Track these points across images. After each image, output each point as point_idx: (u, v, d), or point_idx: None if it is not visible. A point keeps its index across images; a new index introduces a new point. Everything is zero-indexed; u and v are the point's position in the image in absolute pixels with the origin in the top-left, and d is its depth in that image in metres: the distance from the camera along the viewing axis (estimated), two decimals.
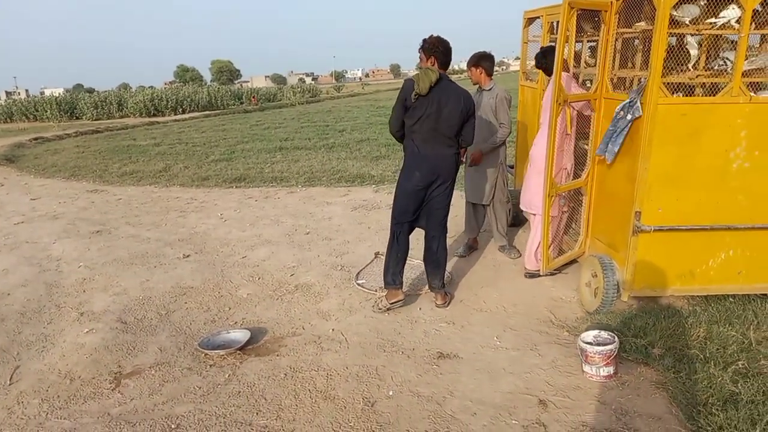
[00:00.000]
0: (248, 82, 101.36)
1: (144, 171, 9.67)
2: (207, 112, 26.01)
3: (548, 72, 3.88)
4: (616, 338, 2.77)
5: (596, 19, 3.97)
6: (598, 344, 2.73)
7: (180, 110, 26.29)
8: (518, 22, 5.19)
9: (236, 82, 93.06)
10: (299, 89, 40.56)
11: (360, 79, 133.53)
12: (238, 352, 3.25)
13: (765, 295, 3.44)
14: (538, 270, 3.90)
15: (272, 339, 3.43)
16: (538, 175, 3.80)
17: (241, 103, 32.06)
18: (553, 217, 3.79)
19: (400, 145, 3.62)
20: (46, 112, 26.09)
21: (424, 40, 3.49)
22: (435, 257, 3.71)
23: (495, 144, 4.33)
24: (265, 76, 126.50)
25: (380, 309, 3.67)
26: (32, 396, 2.92)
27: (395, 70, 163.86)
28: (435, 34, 3.50)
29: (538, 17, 4.81)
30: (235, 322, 3.68)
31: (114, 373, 3.10)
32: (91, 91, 48.73)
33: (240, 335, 3.39)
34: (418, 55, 3.52)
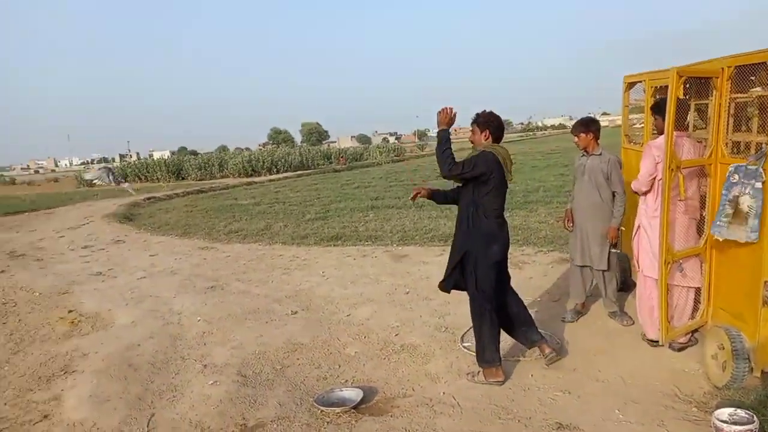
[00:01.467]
0: (335, 142, 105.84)
1: (247, 229, 10.30)
2: (299, 172, 27.40)
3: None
4: (756, 418, 2.60)
5: (705, 83, 3.95)
6: (735, 423, 2.58)
7: (275, 170, 27.89)
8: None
9: (324, 142, 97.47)
10: (384, 149, 41.86)
11: None
12: (353, 410, 3.35)
13: None
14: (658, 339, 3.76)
15: (384, 399, 3.51)
16: (654, 240, 3.75)
17: (330, 163, 33.49)
18: (673, 285, 3.67)
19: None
20: (156, 173, 28.54)
21: (478, 115, 3.70)
22: (521, 317, 3.77)
23: (622, 215, 4.32)
24: (351, 137, 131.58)
25: (475, 382, 3.61)
26: None
27: None
28: (488, 110, 3.69)
29: (640, 82, 4.82)
30: (346, 381, 3.80)
31: (240, 425, 3.29)
32: (194, 153, 52.99)
33: (353, 394, 3.50)
34: (471, 128, 3.74)
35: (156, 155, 60.97)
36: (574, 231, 4.51)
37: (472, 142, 3.74)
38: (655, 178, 3.76)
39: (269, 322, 5.08)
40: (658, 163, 3.68)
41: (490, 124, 3.63)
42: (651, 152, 3.74)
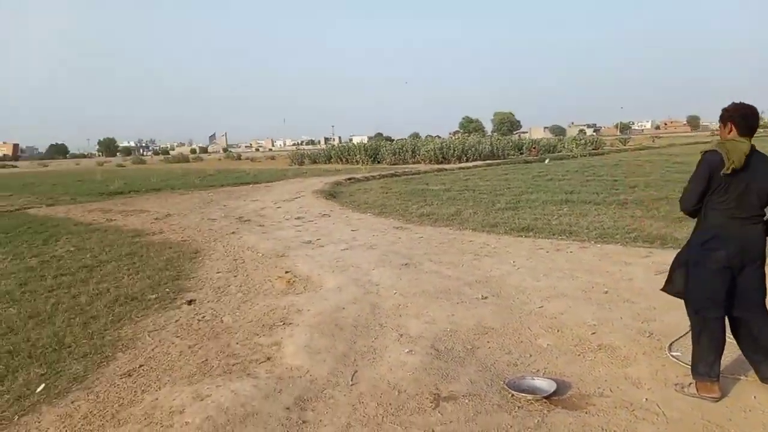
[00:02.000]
0: (527, 132, 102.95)
1: (438, 213, 10.62)
2: (489, 161, 27.30)
3: None
4: None
5: None
6: None
7: (464, 158, 28.17)
8: None
9: (515, 132, 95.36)
10: (581, 141, 39.56)
11: (644, 131, 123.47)
12: (545, 400, 3.32)
13: None
14: None
15: (578, 395, 3.41)
16: None
17: (521, 154, 32.73)
18: None
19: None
20: (356, 156, 30.72)
21: (723, 109, 3.25)
22: (756, 344, 3.26)
23: None
24: (544, 128, 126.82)
25: (686, 394, 3.30)
26: (369, 399, 3.46)
27: (693, 121, 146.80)
28: (738, 101, 3.22)
29: None
30: (538, 370, 3.77)
31: (433, 394, 3.47)
32: (389, 139, 55.89)
33: (545, 384, 3.46)
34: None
35: (356, 139, 65.68)
36: None
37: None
38: None
39: (460, 303, 5.22)
40: None
41: (732, 116, 3.21)
42: None
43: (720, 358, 3.28)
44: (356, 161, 30.12)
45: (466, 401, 3.36)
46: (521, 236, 8.25)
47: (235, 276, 6.67)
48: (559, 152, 34.28)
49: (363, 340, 4.42)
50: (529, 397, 3.34)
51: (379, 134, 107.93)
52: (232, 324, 4.95)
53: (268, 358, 4.16)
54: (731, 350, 3.48)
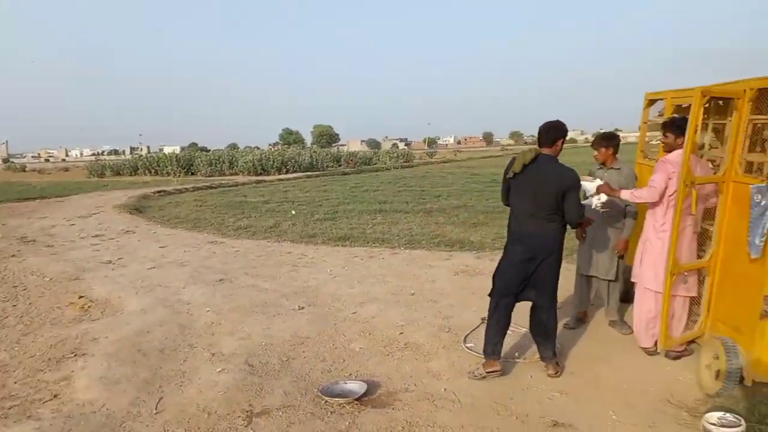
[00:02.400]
0: (345, 145, 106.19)
1: (257, 226, 10.43)
2: (309, 173, 27.54)
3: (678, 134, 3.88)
4: (743, 421, 2.69)
5: (723, 104, 4.05)
6: (723, 426, 2.67)
7: (284, 170, 28.05)
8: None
9: (334, 145, 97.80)
10: (394, 154, 41.97)
11: (448, 145, 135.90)
12: (356, 402, 3.45)
13: None
14: (653, 347, 3.87)
15: (386, 393, 3.61)
16: (659, 253, 3.88)
17: (340, 166, 33.65)
18: (674, 296, 3.77)
19: (498, 212, 3.90)
20: (167, 167, 28.74)
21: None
22: (544, 328, 3.78)
23: (632, 228, 4.45)
24: (361, 141, 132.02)
25: (476, 376, 3.73)
26: (176, 426, 3.26)
27: (488, 137, 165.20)
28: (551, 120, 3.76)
29: (661, 99, 4.90)
30: (350, 374, 3.90)
31: (246, 411, 3.39)
32: (204, 149, 53.31)
33: (357, 387, 3.60)
34: None
35: (167, 150, 61.43)
36: (585, 241, 4.59)
37: None
38: (665, 193, 3.85)
39: (276, 315, 5.19)
40: (670, 178, 3.78)
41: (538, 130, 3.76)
42: (666, 167, 3.82)
43: (503, 340, 3.76)
44: (167, 173, 28.22)
45: (280, 414, 3.35)
46: (338, 245, 8.48)
47: (14, 305, 5.79)
48: (374, 164, 35.95)
49: (170, 364, 4.15)
50: (341, 401, 3.44)
51: (194, 144, 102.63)
52: (9, 361, 4.30)
53: (55, 396, 3.69)
54: (512, 338, 3.97)
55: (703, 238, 3.93)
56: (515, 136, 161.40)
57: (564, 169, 3.58)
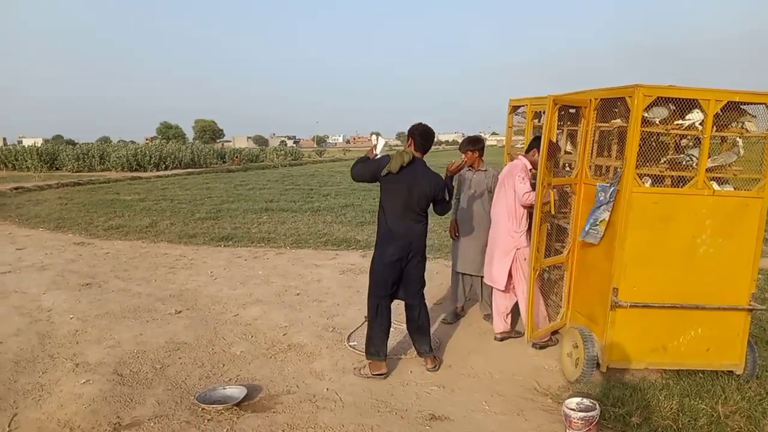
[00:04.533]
0: (230, 141, 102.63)
1: (130, 226, 9.76)
2: (190, 170, 26.27)
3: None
4: (598, 405, 2.97)
5: (574, 112, 4.44)
6: (581, 410, 2.93)
7: (162, 166, 26.51)
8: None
9: (218, 141, 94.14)
10: (282, 151, 41.30)
11: (338, 144, 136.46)
12: (235, 407, 3.34)
13: (731, 371, 3.71)
14: (508, 331, 4.32)
15: (268, 396, 3.54)
16: (504, 254, 4.26)
17: (224, 162, 32.47)
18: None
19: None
20: (26, 161, 25.99)
21: (411, 126, 3.86)
22: (418, 324, 3.91)
23: None
24: (247, 137, 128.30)
25: (362, 375, 3.79)
26: None
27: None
28: (420, 122, 3.84)
29: (523, 106, 5.28)
30: (230, 379, 3.78)
31: (113, 424, 3.16)
32: (71, 142, 48.76)
33: (236, 391, 3.49)
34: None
35: (26, 142, 55.42)
36: (458, 240, 4.82)
37: None
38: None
39: (150, 321, 4.89)
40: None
41: (412, 133, 3.78)
42: (518, 173, 4.15)
43: (387, 340, 3.83)
44: (27, 168, 25.49)
45: (152, 424, 3.15)
46: (220, 246, 8.18)
47: None
48: (261, 162, 35.11)
49: (26, 377, 3.76)
50: (219, 407, 3.32)
51: (59, 137, 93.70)
52: None
53: None
54: (393, 335, 4.06)
55: (562, 235, 4.29)
56: (401, 136, 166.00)
57: (435, 175, 3.77)
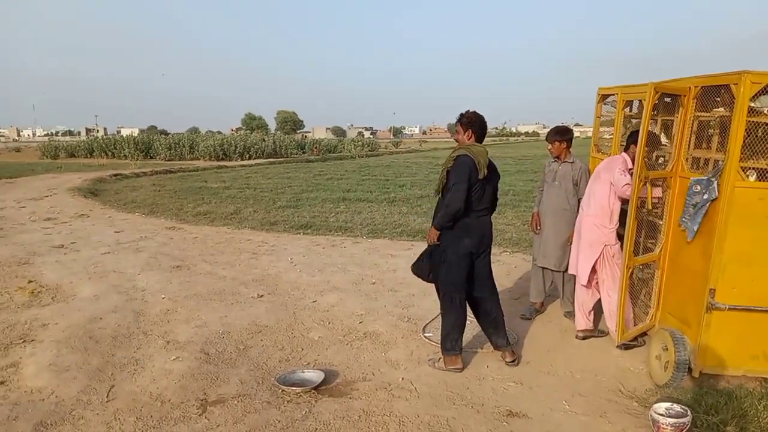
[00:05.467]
0: (310, 132, 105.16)
1: (216, 212, 10.24)
2: (272, 160, 27.19)
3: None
4: (689, 412, 2.79)
5: (669, 101, 4.16)
6: (671, 416, 2.76)
7: (246, 156, 27.62)
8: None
9: (298, 131, 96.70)
10: (359, 142, 41.81)
11: (414, 135, 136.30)
12: (313, 391, 3.43)
13: None
14: (591, 330, 4.11)
15: (344, 382, 3.60)
16: (589, 246, 4.10)
17: (304, 153, 33.33)
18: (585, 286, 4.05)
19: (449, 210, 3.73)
20: (124, 150, 27.91)
21: (462, 114, 3.79)
22: (493, 318, 3.86)
23: None
24: (326, 128, 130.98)
25: (437, 368, 3.75)
26: (128, 414, 3.18)
27: (452, 128, 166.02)
28: (472, 110, 3.78)
29: (613, 94, 5.01)
30: (308, 363, 3.88)
31: (200, 399, 3.34)
32: (164, 133, 51.88)
33: (314, 375, 3.58)
34: (455, 127, 3.84)
35: (124, 132, 59.51)
36: (540, 233, 4.68)
37: (456, 141, 3.85)
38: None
39: (234, 303, 5.11)
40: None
41: (472, 123, 3.72)
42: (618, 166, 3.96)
43: (462, 335, 3.79)
44: (125, 156, 27.39)
45: (236, 402, 3.30)
46: (299, 233, 8.41)
47: None
48: (339, 152, 35.75)
49: (123, 351, 4.04)
50: (298, 390, 3.42)
51: (153, 127, 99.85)
52: None
53: (2, 383, 3.55)
54: (469, 328, 4.01)
55: (654, 232, 4.05)
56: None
57: (495, 165, 3.77)
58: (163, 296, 5.28)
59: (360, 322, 4.64)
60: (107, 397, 3.37)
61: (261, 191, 13.60)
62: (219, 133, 54.13)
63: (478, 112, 3.79)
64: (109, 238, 7.98)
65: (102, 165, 23.16)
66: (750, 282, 3.28)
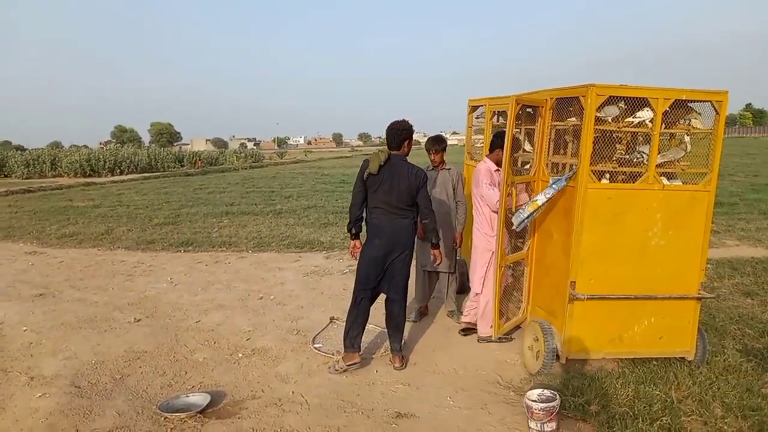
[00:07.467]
0: (188, 144, 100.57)
1: (85, 233, 9.46)
2: (146, 174, 25.65)
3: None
4: (558, 396, 3.05)
5: (531, 112, 4.54)
6: (542, 401, 3.01)
7: (118, 171, 25.84)
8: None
9: (176, 144, 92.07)
10: (242, 154, 40.72)
11: (299, 146, 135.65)
12: (199, 415, 3.29)
13: (683, 358, 3.86)
14: (490, 335, 4.23)
15: (232, 402, 3.50)
16: (480, 256, 4.35)
17: (182, 166, 31.80)
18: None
19: (348, 212, 3.96)
20: None
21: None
22: (396, 321, 3.98)
23: (464, 222, 4.77)
24: (206, 140, 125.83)
25: (337, 370, 3.83)
26: None
27: (337, 138, 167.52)
28: (396, 120, 3.93)
29: (482, 105, 5.37)
30: (193, 386, 3.72)
31: None
32: (20, 148, 46.87)
33: (200, 399, 3.44)
34: None
35: None
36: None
37: None
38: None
39: (108, 330, 4.76)
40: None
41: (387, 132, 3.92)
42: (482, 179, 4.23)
43: (362, 333, 3.90)
44: None
45: None
46: (180, 251, 8.02)
47: None
48: (221, 165, 34.52)
49: None
50: (182, 415, 3.26)
51: (8, 142, 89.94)
52: None
53: None
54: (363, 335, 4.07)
55: (522, 232, 4.38)
56: (364, 137, 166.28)
57: (415, 168, 3.84)
58: (25, 328, 4.79)
59: (247, 339, 4.53)
60: None
61: (135, 208, 12.76)
62: (85, 147, 49.96)
63: (395, 120, 3.91)
64: None
65: None
66: (605, 273, 3.67)
